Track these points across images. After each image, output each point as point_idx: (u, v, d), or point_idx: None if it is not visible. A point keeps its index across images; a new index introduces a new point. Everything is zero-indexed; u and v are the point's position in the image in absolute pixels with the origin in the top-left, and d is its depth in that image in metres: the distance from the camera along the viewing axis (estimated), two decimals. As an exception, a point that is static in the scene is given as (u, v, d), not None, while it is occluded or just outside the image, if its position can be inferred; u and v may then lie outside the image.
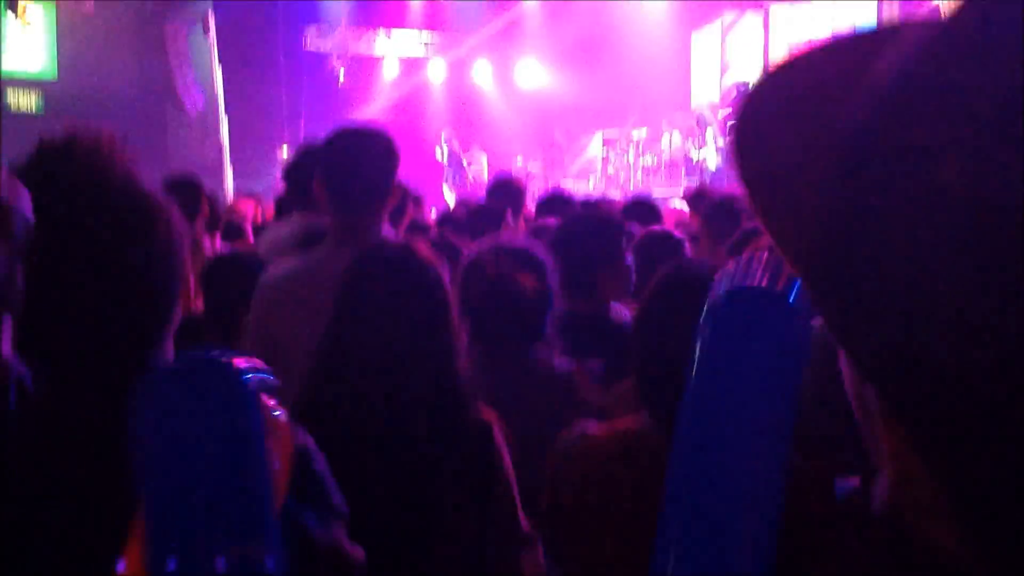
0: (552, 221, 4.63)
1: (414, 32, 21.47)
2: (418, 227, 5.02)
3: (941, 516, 0.55)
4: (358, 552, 1.29)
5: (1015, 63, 0.49)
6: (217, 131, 18.20)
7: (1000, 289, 0.47)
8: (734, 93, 18.20)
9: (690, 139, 17.36)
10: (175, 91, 18.02)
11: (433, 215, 7.11)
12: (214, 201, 5.00)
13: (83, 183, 1.17)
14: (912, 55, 0.55)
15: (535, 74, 21.83)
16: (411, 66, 21.67)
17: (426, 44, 21.69)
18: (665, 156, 18.38)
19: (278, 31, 19.47)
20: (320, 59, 20.67)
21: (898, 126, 0.52)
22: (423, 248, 1.99)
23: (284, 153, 19.04)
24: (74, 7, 17.07)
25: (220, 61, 18.23)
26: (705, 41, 19.66)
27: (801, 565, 1.05)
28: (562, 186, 14.03)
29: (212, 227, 4.78)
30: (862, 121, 0.55)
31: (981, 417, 0.48)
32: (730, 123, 0.67)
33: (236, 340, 2.72)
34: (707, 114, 16.97)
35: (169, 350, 1.27)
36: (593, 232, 3.06)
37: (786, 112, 0.64)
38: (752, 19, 18.49)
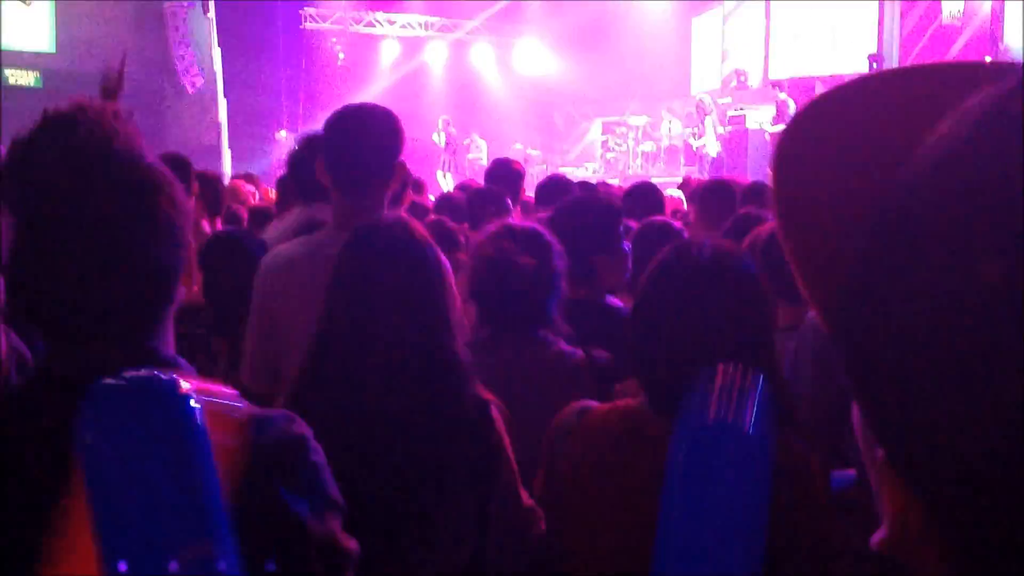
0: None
1: (414, 14, 21.39)
2: (418, 211, 5.01)
3: (934, 558, 0.55)
4: (352, 544, 1.29)
5: None
6: (215, 111, 18.13)
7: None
8: (734, 81, 18.18)
9: (690, 126, 17.34)
10: (174, 70, 17.95)
11: (431, 200, 7.09)
12: (217, 184, 4.98)
13: (87, 155, 1.15)
14: (973, 131, 0.51)
15: (535, 58, 21.77)
16: (411, 47, 21.60)
17: (426, 25, 21.61)
18: (664, 143, 18.36)
19: (277, 11, 19.39)
20: (319, 39, 20.60)
21: (942, 206, 0.50)
22: (418, 226, 1.99)
23: (283, 135, 19.00)
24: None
25: (219, 41, 18.16)
26: (706, 27, 19.60)
27: (799, 554, 1.07)
28: (561, 172, 14.02)
29: (214, 211, 4.76)
30: (909, 190, 0.53)
31: (990, 496, 0.49)
32: (777, 147, 0.65)
33: (235, 320, 2.72)
34: (707, 101, 16.94)
35: (170, 328, 1.26)
36: (590, 217, 3.06)
37: (833, 153, 0.62)
38: (753, 5, 18.43)
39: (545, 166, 18.48)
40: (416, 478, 1.83)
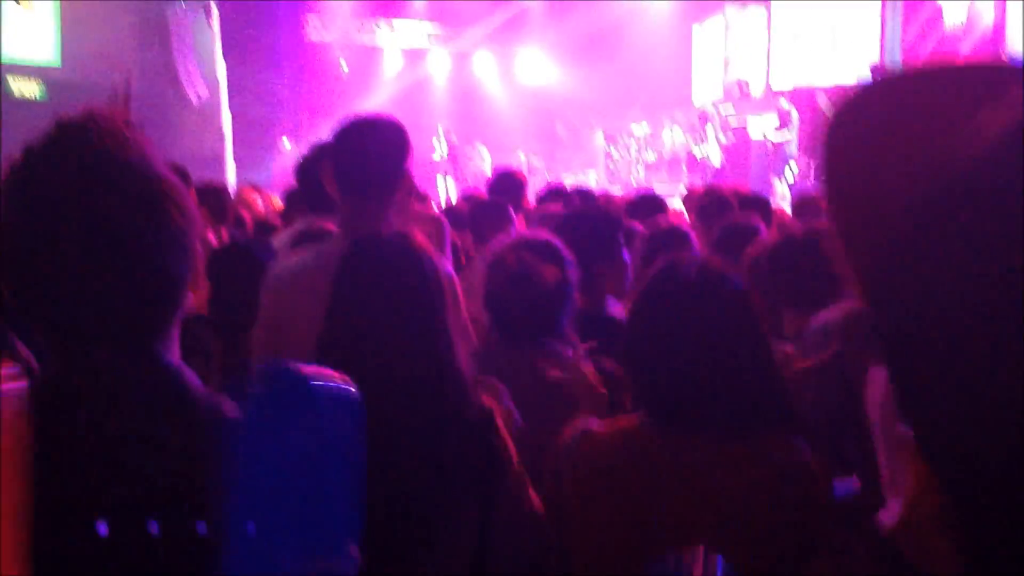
0: (554, 208, 4.65)
1: (417, 23, 21.45)
2: (418, 219, 5.02)
3: (948, 534, 0.58)
4: (353, 551, 1.30)
5: None
6: (219, 121, 18.17)
7: None
8: (736, 90, 18.20)
9: (692, 135, 17.36)
10: (178, 80, 17.99)
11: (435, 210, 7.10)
12: (223, 194, 5.00)
13: (98, 163, 1.17)
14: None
15: (537, 67, 21.82)
16: (414, 57, 21.66)
17: (429, 35, 21.67)
18: (666, 152, 18.38)
19: (280, 21, 19.45)
20: (323, 49, 20.65)
21: (991, 199, 0.53)
22: (419, 236, 1.99)
23: (286, 144, 19.03)
24: (77, -6, 17.06)
25: (222, 51, 18.21)
26: (707, 35, 19.64)
27: (801, 553, 1.08)
28: (562, 181, 14.03)
29: (220, 220, 4.77)
30: (962, 178, 0.55)
31: (1010, 479, 0.51)
32: (826, 137, 0.70)
33: (241, 329, 2.73)
34: (709, 110, 16.97)
35: (175, 337, 1.27)
36: (591, 227, 3.08)
37: (879, 141, 0.66)
38: (755, 13, 18.46)
39: (548, 175, 18.51)
40: (417, 486, 1.83)
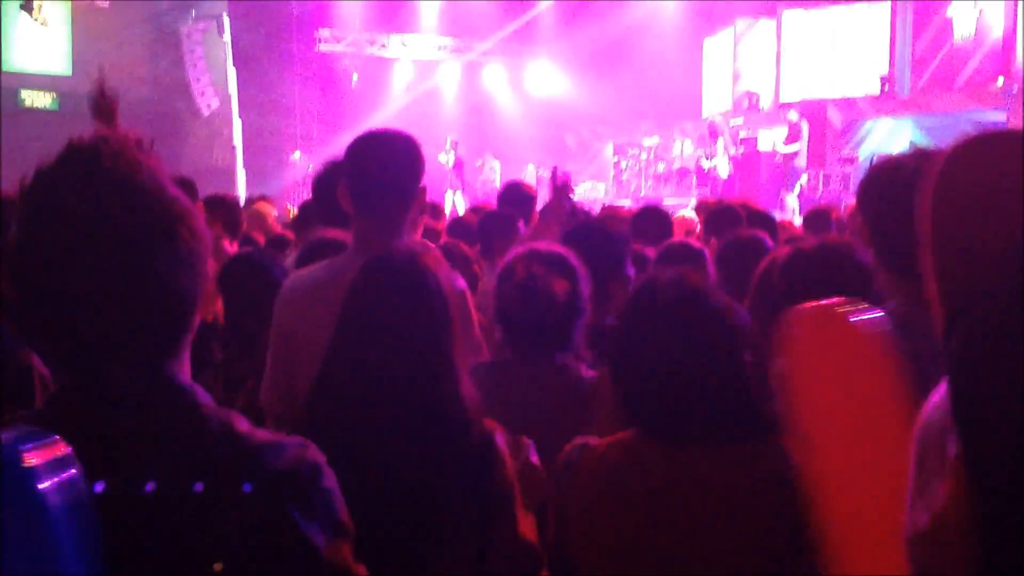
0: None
1: (427, 35, 21.52)
2: (430, 235, 5.03)
3: (974, 544, 0.69)
4: (362, 570, 1.30)
5: None
6: (230, 133, 18.26)
7: None
8: (746, 102, 18.22)
9: (701, 148, 17.37)
10: (189, 92, 18.08)
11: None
12: (235, 207, 5.01)
13: (110, 185, 1.17)
14: None
15: (547, 80, 21.86)
16: (424, 69, 21.72)
17: (439, 47, 21.74)
18: (676, 164, 18.39)
19: (292, 33, 19.55)
20: (333, 61, 20.73)
21: None
22: (430, 257, 1.98)
23: (297, 156, 19.10)
24: (89, 6, 17.18)
25: (234, 62, 18.30)
26: (718, 48, 19.66)
27: (800, 555, 1.10)
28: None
29: (233, 233, 4.78)
30: None
31: None
32: (936, 181, 0.86)
33: (255, 341, 2.74)
34: (719, 122, 16.97)
35: (186, 358, 1.27)
36: (595, 244, 3.07)
37: (983, 191, 0.79)
38: (765, 27, 18.49)
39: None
40: (412, 510, 1.83)
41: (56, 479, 0.99)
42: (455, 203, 17.07)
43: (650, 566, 1.79)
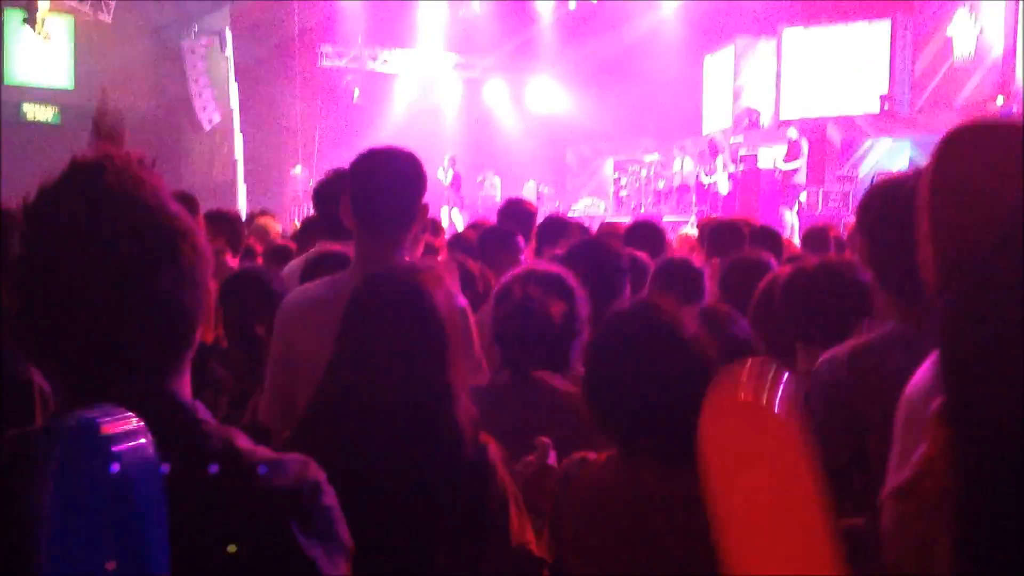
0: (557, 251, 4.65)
1: (429, 52, 21.59)
2: (429, 250, 5.03)
3: (950, 501, 0.74)
4: None
5: None
6: (232, 147, 18.30)
7: None
8: (746, 120, 18.27)
9: (701, 164, 17.41)
10: (191, 107, 18.13)
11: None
12: (236, 221, 5.03)
13: (112, 203, 1.17)
14: None
15: (548, 96, 21.94)
16: (426, 85, 21.79)
17: (441, 64, 21.81)
18: (676, 181, 18.43)
19: (294, 48, 19.60)
20: (335, 77, 20.79)
21: None
22: (428, 275, 1.98)
23: (298, 170, 19.13)
24: (92, 20, 17.24)
25: (236, 77, 18.35)
26: (718, 66, 19.74)
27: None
28: (567, 211, 14.03)
29: (235, 248, 4.79)
30: None
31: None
32: (934, 161, 0.96)
33: (256, 356, 2.75)
34: (719, 139, 17.02)
35: (187, 375, 1.27)
36: (594, 261, 3.07)
37: (979, 171, 0.89)
38: (765, 45, 18.57)
39: (558, 203, 18.55)
40: (406, 521, 1.84)
41: (130, 445, 1.05)
42: (452, 219, 17.08)
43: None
